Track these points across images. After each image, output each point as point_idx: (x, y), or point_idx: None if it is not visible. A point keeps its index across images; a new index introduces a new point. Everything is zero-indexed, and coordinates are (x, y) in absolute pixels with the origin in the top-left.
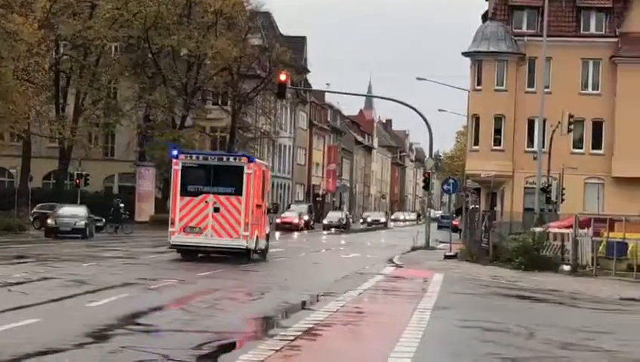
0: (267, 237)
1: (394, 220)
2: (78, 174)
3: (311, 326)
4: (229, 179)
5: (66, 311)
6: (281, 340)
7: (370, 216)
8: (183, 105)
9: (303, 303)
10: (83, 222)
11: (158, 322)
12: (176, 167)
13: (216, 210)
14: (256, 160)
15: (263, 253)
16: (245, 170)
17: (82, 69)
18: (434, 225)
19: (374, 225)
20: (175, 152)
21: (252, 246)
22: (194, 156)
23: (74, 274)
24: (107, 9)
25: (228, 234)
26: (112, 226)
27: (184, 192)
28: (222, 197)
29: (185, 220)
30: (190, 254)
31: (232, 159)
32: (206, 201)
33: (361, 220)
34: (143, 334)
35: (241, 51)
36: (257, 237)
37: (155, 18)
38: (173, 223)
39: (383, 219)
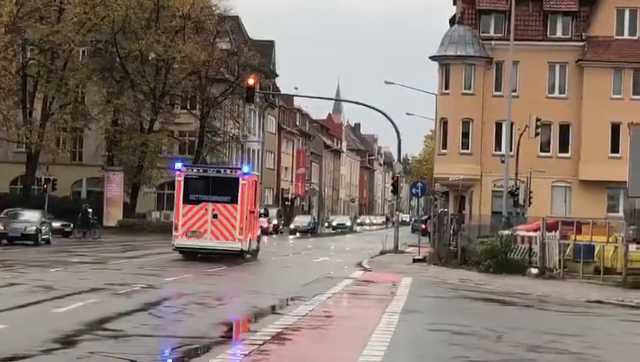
0: (258, 239)
1: (360, 224)
2: (45, 179)
3: (280, 330)
4: (226, 189)
5: (33, 316)
6: (249, 344)
7: (336, 220)
8: (151, 110)
9: (272, 307)
10: (34, 228)
11: (126, 327)
12: (179, 178)
13: (215, 216)
14: (250, 171)
15: (255, 254)
16: (240, 181)
17: (50, 74)
18: (407, 229)
19: (340, 229)
20: (179, 165)
21: (246, 247)
22: (195, 169)
23: (41, 279)
24: (75, 13)
25: (225, 238)
26: (80, 231)
27: (186, 201)
28: (220, 205)
29: (187, 225)
30: (191, 255)
31: (228, 171)
32: (206, 209)
33: (326, 224)
34: (111, 339)
35: (210, 55)
36: (250, 239)
37: (122, 22)
38: (176, 228)
39: (348, 223)
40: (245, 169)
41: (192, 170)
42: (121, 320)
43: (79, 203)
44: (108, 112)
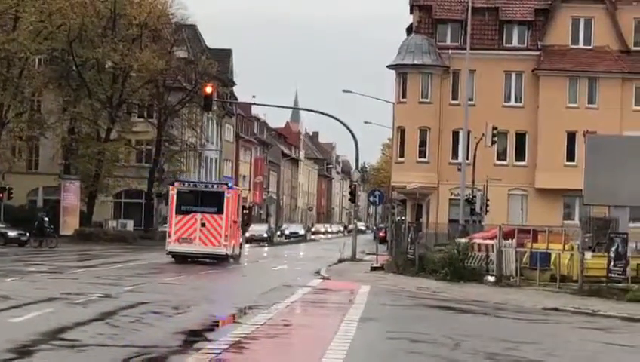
0: (240, 245)
1: (314, 233)
2: (1, 188)
3: (238, 339)
4: (212, 202)
5: None
6: (207, 354)
7: (289, 229)
8: (108, 118)
9: (230, 316)
10: None
11: (82, 337)
12: (172, 192)
13: (203, 225)
14: (234, 186)
15: (237, 258)
16: (225, 195)
17: (5, 82)
18: (365, 237)
19: (293, 238)
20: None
21: (230, 252)
22: (186, 184)
23: None
24: (30, 21)
25: (212, 244)
26: (37, 240)
27: (178, 211)
28: (207, 215)
29: (179, 233)
30: (183, 259)
31: (215, 186)
32: (195, 218)
33: (279, 232)
34: (67, 349)
35: (167, 64)
36: (234, 245)
37: (79, 30)
38: (169, 235)
39: (301, 232)
40: (230, 184)
41: (184, 184)
42: (78, 329)
43: (35, 212)
44: (64, 121)
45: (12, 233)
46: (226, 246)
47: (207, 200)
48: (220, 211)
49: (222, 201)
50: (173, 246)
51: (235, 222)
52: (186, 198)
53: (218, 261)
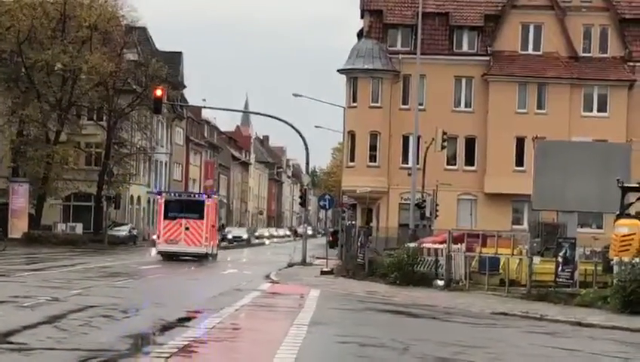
0: (217, 246)
1: (259, 237)
2: None
3: (186, 343)
4: (195, 209)
5: None
6: (156, 357)
7: (232, 232)
8: (57, 121)
9: (179, 320)
10: None
11: (30, 340)
12: (161, 201)
13: (187, 228)
14: (213, 196)
15: (215, 256)
16: (205, 203)
17: None
18: (319, 241)
19: (236, 242)
20: (161, 192)
21: (209, 251)
22: (172, 194)
23: None
24: None
25: (194, 244)
26: None
27: (166, 217)
28: (191, 221)
29: (166, 235)
30: (170, 257)
31: (197, 196)
32: (180, 223)
33: (221, 236)
34: (15, 352)
35: (117, 66)
36: (212, 246)
37: (28, 32)
38: (158, 237)
39: (245, 236)
40: (210, 194)
41: (170, 194)
42: (25, 333)
43: None
44: (13, 123)
45: None
46: (207, 246)
47: (191, 207)
48: (201, 217)
49: (203, 209)
50: (162, 246)
51: (213, 226)
52: (172, 206)
53: (199, 259)
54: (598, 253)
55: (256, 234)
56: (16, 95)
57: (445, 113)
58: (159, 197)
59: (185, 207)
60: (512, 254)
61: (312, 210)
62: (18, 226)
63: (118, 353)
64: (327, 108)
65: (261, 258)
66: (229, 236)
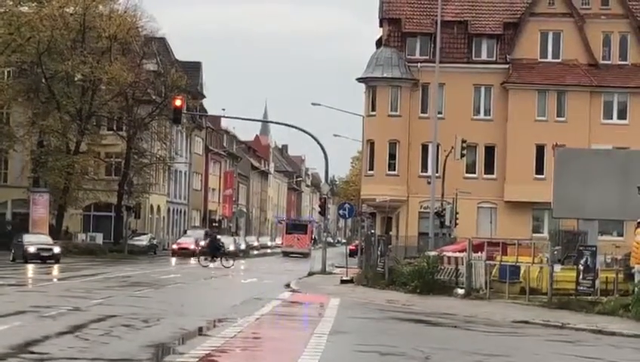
0: (311, 248)
1: (251, 248)
2: None
3: (207, 352)
4: (302, 229)
5: None
6: None
7: (257, 241)
8: (77, 131)
9: (200, 329)
10: None
11: (52, 350)
12: (283, 223)
13: (298, 239)
14: (312, 222)
15: (309, 255)
16: (307, 226)
17: None
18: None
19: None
20: (283, 220)
21: (309, 251)
22: (290, 220)
23: None
24: None
25: (302, 247)
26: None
27: (287, 232)
28: (299, 234)
29: (287, 242)
30: (286, 254)
31: (303, 220)
32: (294, 236)
33: (243, 245)
34: None
35: (136, 76)
36: (310, 249)
37: (48, 43)
38: (282, 243)
39: (231, 247)
40: (309, 221)
41: (289, 220)
42: (48, 343)
43: (3, 225)
44: (33, 133)
45: None
46: (308, 248)
47: (298, 228)
48: (305, 233)
49: (306, 228)
50: (284, 248)
51: (311, 238)
52: (290, 226)
53: (304, 255)
54: (619, 260)
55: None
56: (36, 106)
57: (464, 121)
58: (283, 221)
59: (296, 227)
60: (533, 262)
61: (331, 219)
62: None
63: None
64: (345, 117)
65: (281, 267)
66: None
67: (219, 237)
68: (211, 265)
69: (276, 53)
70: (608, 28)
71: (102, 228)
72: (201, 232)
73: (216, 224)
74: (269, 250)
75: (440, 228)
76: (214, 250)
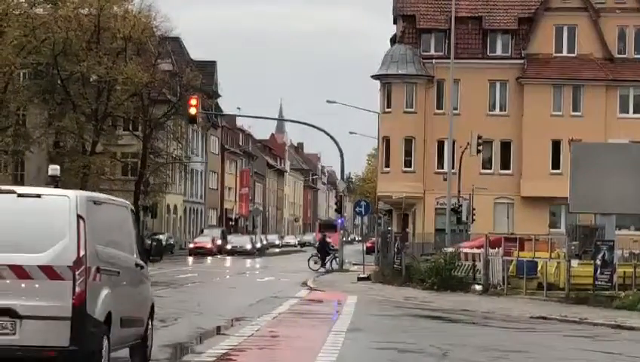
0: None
1: (273, 245)
2: None
3: (225, 351)
4: (332, 228)
5: None
6: None
7: (233, 242)
8: (93, 131)
9: (218, 328)
10: None
11: None
12: (317, 222)
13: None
14: (340, 222)
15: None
16: (337, 226)
17: None
18: (356, 247)
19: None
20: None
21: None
22: (323, 220)
23: None
24: (15, 36)
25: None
26: None
27: (320, 231)
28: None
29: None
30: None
31: (333, 222)
32: (325, 234)
33: (229, 246)
34: None
35: (152, 76)
36: (336, 244)
37: (63, 44)
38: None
39: (248, 246)
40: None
41: (320, 220)
42: None
43: None
44: (50, 135)
45: None
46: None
47: (329, 227)
48: (335, 231)
49: (336, 227)
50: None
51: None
52: (322, 226)
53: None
54: (637, 255)
55: (277, 242)
56: (52, 107)
57: (480, 117)
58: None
59: (327, 227)
60: (550, 258)
61: (348, 217)
62: None
63: None
64: (361, 114)
65: (298, 265)
66: (228, 246)
67: (329, 240)
68: (322, 269)
69: (290, 51)
70: (623, 22)
71: None
72: (217, 231)
73: (233, 223)
74: (292, 248)
75: (457, 225)
76: (325, 254)
